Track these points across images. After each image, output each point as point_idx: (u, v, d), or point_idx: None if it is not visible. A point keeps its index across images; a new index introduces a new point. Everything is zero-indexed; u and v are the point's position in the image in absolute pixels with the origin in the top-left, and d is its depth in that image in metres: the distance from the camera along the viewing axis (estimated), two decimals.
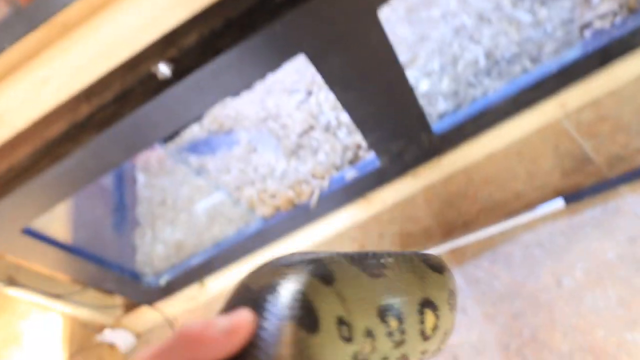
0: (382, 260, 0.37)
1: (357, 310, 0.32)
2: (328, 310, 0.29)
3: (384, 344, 0.34)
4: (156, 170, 1.74)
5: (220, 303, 1.57)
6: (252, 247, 1.44)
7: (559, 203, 1.25)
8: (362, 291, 0.33)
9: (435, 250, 1.35)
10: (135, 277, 1.43)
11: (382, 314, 0.34)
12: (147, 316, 1.55)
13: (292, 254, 0.36)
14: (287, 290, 0.28)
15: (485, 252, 1.31)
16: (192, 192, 1.56)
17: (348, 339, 0.30)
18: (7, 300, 1.49)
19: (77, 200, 1.55)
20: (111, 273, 1.34)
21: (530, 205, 1.31)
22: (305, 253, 0.35)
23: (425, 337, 0.37)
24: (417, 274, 0.38)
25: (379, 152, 1.27)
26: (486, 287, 1.27)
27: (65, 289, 1.42)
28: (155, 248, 1.51)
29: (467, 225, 1.36)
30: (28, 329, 1.50)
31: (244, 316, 0.25)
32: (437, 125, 1.31)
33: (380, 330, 0.33)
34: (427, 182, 1.44)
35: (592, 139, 1.33)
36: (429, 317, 0.38)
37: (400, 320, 0.35)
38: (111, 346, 1.56)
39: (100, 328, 1.53)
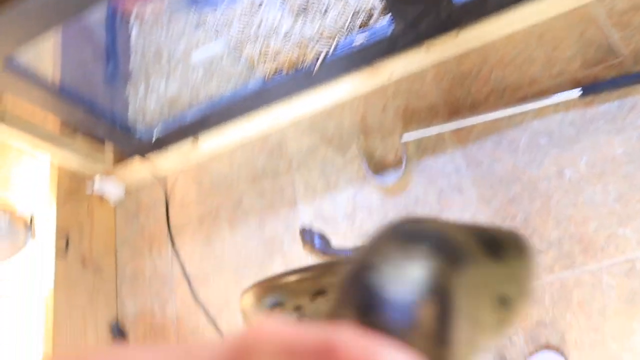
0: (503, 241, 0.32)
1: (473, 297, 0.28)
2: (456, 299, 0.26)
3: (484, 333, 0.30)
4: (152, 22, 1.61)
5: (213, 165, 1.55)
6: (249, 107, 1.38)
7: (574, 93, 1.20)
8: (484, 277, 0.29)
9: (439, 129, 1.31)
10: (126, 128, 1.38)
11: (500, 301, 0.31)
12: (137, 169, 1.52)
13: (413, 220, 0.30)
14: (416, 277, 0.24)
15: (491, 135, 1.28)
16: (189, 46, 1.46)
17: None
18: None
19: (69, 46, 1.45)
20: (102, 120, 1.28)
21: (544, 93, 1.25)
22: (426, 220, 0.30)
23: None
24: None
25: (394, 15, 1.18)
26: (486, 169, 1.26)
27: (55, 134, 1.37)
28: (148, 102, 1.44)
29: (475, 107, 1.31)
30: (17, 175, 1.47)
31: None
32: None
33: (489, 318, 0.30)
34: (440, 57, 1.36)
35: (622, 29, 1.24)
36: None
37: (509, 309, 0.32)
38: (101, 197, 1.55)
39: (89, 178, 1.51)
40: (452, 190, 1.27)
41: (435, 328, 0.23)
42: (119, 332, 1.43)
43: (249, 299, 0.40)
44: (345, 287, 0.24)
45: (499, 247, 0.30)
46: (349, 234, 1.33)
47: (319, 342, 0.19)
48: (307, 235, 1.28)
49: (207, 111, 1.37)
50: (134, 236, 1.57)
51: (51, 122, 1.40)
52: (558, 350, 1.08)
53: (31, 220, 1.33)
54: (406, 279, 0.24)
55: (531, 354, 1.11)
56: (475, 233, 0.30)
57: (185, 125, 1.40)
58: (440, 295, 0.24)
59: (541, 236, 1.16)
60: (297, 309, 0.37)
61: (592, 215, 1.14)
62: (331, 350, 0.18)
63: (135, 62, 1.53)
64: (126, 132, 1.36)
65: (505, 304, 0.30)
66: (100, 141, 1.51)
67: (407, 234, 0.27)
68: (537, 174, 1.21)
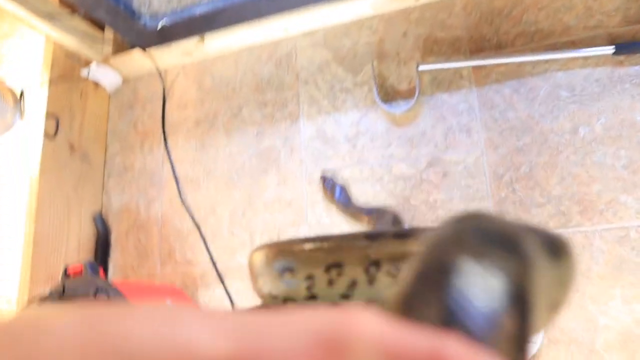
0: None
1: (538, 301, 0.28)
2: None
3: None
4: None
5: (217, 65, 1.48)
6: (263, 10, 1.30)
7: (607, 50, 1.14)
8: (546, 281, 0.29)
9: (459, 64, 1.25)
10: (130, 12, 1.29)
11: (552, 306, 0.32)
12: (137, 60, 1.45)
13: (485, 218, 0.29)
14: (499, 285, 0.24)
15: (510, 79, 1.22)
16: None
17: None
18: None
19: None
20: (106, 0, 1.19)
21: (575, 44, 1.19)
22: (496, 219, 0.29)
23: None
24: None
25: None
26: (499, 114, 1.21)
27: (53, 10, 1.28)
28: None
29: (500, 48, 1.25)
30: (9, 49, 1.39)
31: None
32: None
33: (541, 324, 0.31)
34: None
35: None
36: None
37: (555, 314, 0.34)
38: (96, 84, 1.48)
39: (86, 63, 1.43)
40: (461, 130, 1.23)
41: (517, 335, 0.23)
42: (102, 224, 1.41)
43: (259, 259, 0.38)
44: (426, 286, 0.23)
45: (558, 250, 0.30)
46: (347, 158, 1.29)
47: (428, 352, 0.17)
48: (329, 185, 1.24)
49: (218, 7, 1.28)
50: (127, 128, 1.52)
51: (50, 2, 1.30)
52: None
53: (21, 96, 1.27)
54: (490, 286, 0.23)
55: None
56: (537, 234, 0.30)
57: (193, 20, 1.31)
58: (522, 303, 0.24)
59: (542, 190, 1.14)
60: (309, 278, 0.36)
61: (598, 177, 1.12)
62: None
63: None
64: (130, 17, 1.27)
65: (554, 309, 0.31)
66: (101, 26, 1.42)
67: (485, 235, 0.27)
68: (551, 127, 1.17)
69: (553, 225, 1.12)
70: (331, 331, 0.17)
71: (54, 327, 0.17)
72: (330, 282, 0.35)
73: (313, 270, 0.36)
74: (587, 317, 1.06)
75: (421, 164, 1.24)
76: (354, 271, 0.36)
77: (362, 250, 0.37)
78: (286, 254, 0.37)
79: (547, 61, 1.19)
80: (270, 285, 0.38)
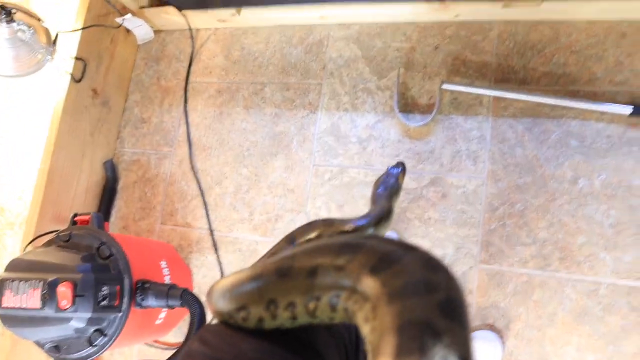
0: None
1: None
2: None
3: None
4: None
5: (248, 37, 1.49)
6: None
7: (625, 109, 1.16)
8: None
9: (482, 91, 1.27)
10: None
11: None
12: (171, 17, 1.45)
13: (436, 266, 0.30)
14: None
15: (526, 117, 1.25)
16: None
17: None
18: None
19: None
20: None
21: (596, 97, 1.21)
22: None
23: None
24: None
25: None
26: (508, 149, 1.25)
27: None
28: None
29: (524, 83, 1.27)
30: None
31: None
32: None
33: None
34: (514, 17, 1.28)
35: None
36: None
37: None
38: (127, 33, 1.49)
39: (122, 11, 1.43)
40: (469, 156, 1.27)
41: None
42: (112, 171, 1.47)
43: (218, 292, 0.42)
44: (411, 345, 0.25)
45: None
46: (356, 158, 1.34)
47: None
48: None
49: None
50: (150, 82, 1.55)
51: None
52: (499, 334, 1.18)
53: (55, 38, 1.29)
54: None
55: (475, 328, 1.21)
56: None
57: None
58: None
59: (530, 231, 1.20)
60: (259, 318, 0.40)
61: (584, 230, 1.17)
62: None
63: None
64: None
65: None
66: None
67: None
68: (553, 173, 1.21)
69: (532, 266, 1.19)
70: None
71: None
72: (274, 317, 0.39)
73: (258, 309, 0.39)
74: (541, 356, 1.15)
75: (424, 180, 1.29)
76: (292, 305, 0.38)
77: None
78: (237, 298, 0.40)
79: (565, 107, 1.22)
80: (227, 314, 0.43)
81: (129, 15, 1.41)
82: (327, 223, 0.67)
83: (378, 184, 0.83)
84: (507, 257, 1.21)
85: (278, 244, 0.67)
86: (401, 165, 0.84)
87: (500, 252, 1.22)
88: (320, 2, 1.32)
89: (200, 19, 1.45)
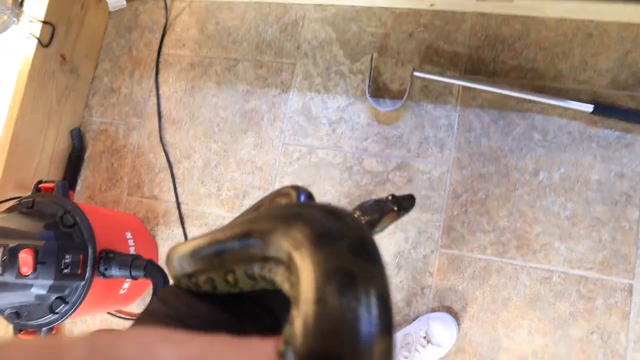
0: None
1: None
2: None
3: None
4: None
5: (223, 12, 1.47)
6: None
7: (587, 107, 1.21)
8: None
9: (452, 81, 1.30)
10: None
11: None
12: None
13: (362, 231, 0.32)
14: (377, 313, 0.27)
15: (493, 109, 1.29)
16: None
17: None
18: None
19: None
20: None
21: (560, 93, 1.25)
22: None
23: None
24: None
25: None
26: (474, 139, 1.29)
27: None
28: None
29: (494, 75, 1.30)
30: None
31: None
32: None
33: None
34: (487, 10, 1.30)
35: None
36: None
37: None
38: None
39: None
40: (435, 143, 1.30)
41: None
42: (79, 140, 1.44)
43: (176, 256, 0.44)
44: (330, 289, 0.27)
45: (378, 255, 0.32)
46: (325, 140, 1.35)
47: None
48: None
49: None
50: (121, 51, 1.52)
51: None
52: (456, 316, 1.23)
53: (21, 1, 1.25)
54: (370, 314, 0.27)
55: (433, 309, 1.25)
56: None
57: None
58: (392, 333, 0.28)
59: (490, 219, 1.25)
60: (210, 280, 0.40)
61: (541, 220, 1.22)
62: None
63: None
64: None
65: None
66: None
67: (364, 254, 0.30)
68: (515, 164, 1.25)
69: (490, 252, 1.23)
70: None
71: (70, 349, 0.24)
72: (230, 283, 0.39)
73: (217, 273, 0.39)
74: (494, 337, 1.20)
75: (391, 164, 1.32)
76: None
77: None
78: (196, 262, 0.42)
79: (530, 101, 1.26)
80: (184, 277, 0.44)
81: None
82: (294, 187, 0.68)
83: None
84: (467, 242, 1.25)
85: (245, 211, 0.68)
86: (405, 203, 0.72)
87: (461, 237, 1.26)
88: None
89: None
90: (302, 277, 0.29)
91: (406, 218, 1.28)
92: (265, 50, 1.43)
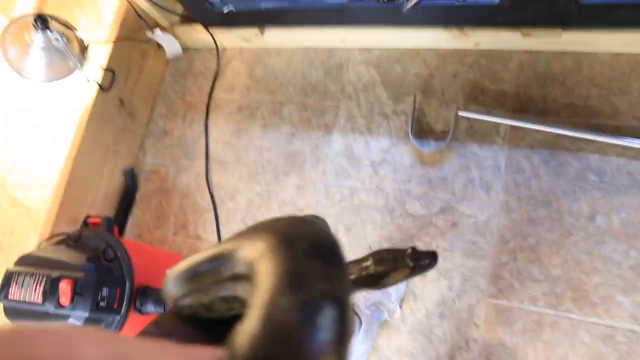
0: None
1: None
2: None
3: None
4: None
5: (272, 58, 1.52)
6: (325, 20, 1.33)
7: None
8: None
9: (498, 120, 1.24)
10: None
11: None
12: (199, 35, 1.51)
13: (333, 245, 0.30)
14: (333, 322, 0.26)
15: (544, 149, 1.21)
16: None
17: None
18: None
19: None
20: None
21: (618, 131, 1.16)
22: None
23: None
24: None
25: None
26: (523, 181, 1.21)
27: None
28: None
29: (544, 114, 1.23)
30: (92, 3, 1.49)
31: None
32: None
33: None
34: (534, 47, 1.25)
35: None
36: None
37: None
38: (158, 47, 1.56)
39: (153, 25, 1.50)
40: (481, 185, 1.24)
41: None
42: (132, 179, 1.51)
43: (170, 277, 0.42)
44: (285, 291, 0.26)
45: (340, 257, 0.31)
46: (367, 182, 1.32)
47: None
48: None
49: (284, 6, 1.31)
50: (175, 96, 1.60)
51: None
52: None
53: (87, 46, 1.35)
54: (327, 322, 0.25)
55: None
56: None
57: (257, 12, 1.35)
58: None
59: (542, 267, 1.15)
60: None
61: (601, 270, 1.11)
62: None
63: None
64: None
65: None
66: None
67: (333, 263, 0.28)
68: (569, 208, 1.16)
69: (543, 304, 1.13)
70: None
71: None
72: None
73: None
74: None
75: (434, 208, 1.26)
76: None
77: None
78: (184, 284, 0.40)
79: (585, 140, 1.17)
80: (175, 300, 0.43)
81: (157, 30, 1.47)
82: None
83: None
84: (516, 292, 1.16)
85: None
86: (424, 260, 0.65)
87: (510, 287, 1.16)
88: (342, 26, 1.34)
89: (226, 37, 1.50)
90: (258, 284, 0.28)
91: (450, 264, 1.21)
92: (310, 93, 1.45)
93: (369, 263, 0.67)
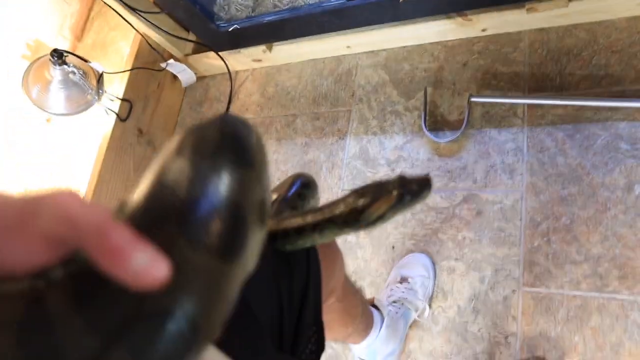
0: None
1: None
2: None
3: None
4: None
5: (282, 74, 1.53)
6: (326, 25, 1.33)
7: None
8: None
9: (513, 100, 1.18)
10: (207, 15, 1.39)
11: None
12: (211, 62, 1.55)
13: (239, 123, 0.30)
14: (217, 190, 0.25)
15: (567, 124, 1.14)
16: None
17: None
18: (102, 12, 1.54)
19: None
20: (190, 4, 1.30)
21: None
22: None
23: None
24: None
25: None
26: (548, 159, 1.13)
27: (146, 7, 1.41)
28: None
29: (562, 89, 1.17)
30: (103, 37, 1.56)
31: (161, 273, 0.22)
32: None
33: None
34: (543, 24, 1.21)
35: None
36: None
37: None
38: (174, 78, 1.60)
39: (167, 57, 1.55)
40: (504, 169, 1.16)
41: (221, 244, 0.24)
42: None
43: None
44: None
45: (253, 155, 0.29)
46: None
47: (96, 225, 0.21)
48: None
49: (285, 17, 1.34)
50: (193, 122, 1.62)
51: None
52: None
53: (100, 78, 1.41)
54: (209, 189, 0.25)
55: None
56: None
57: (261, 27, 1.38)
58: (235, 211, 0.25)
59: (581, 246, 1.04)
60: None
61: None
62: (104, 234, 0.21)
63: None
64: (205, 18, 1.37)
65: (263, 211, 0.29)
66: (186, 27, 1.54)
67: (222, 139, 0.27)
68: (602, 181, 1.07)
69: (586, 287, 1.01)
70: (32, 201, 0.22)
71: None
72: None
73: None
74: None
75: (457, 198, 1.19)
76: None
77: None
78: None
79: (610, 109, 1.10)
80: None
81: (171, 61, 1.51)
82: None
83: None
84: (555, 278, 1.05)
85: None
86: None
87: (547, 272, 1.06)
88: (344, 30, 1.34)
89: (237, 61, 1.53)
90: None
91: (480, 255, 1.12)
92: (322, 102, 1.44)
93: (350, 198, 0.59)
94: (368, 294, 1.19)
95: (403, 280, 1.14)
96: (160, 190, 0.25)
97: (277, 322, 0.56)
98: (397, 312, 1.08)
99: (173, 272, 0.22)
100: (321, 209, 0.57)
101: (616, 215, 1.04)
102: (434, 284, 1.15)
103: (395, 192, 0.53)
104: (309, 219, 0.56)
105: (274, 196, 0.71)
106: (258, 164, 0.28)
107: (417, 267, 1.15)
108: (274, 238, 0.58)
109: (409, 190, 0.53)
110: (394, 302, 1.10)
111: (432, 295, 1.14)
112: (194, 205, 0.24)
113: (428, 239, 1.19)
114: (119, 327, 0.22)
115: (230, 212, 0.25)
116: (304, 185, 0.75)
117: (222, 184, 0.25)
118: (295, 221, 0.57)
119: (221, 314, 0.25)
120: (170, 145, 0.27)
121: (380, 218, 0.54)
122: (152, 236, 0.23)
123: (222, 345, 0.34)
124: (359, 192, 0.55)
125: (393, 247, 1.22)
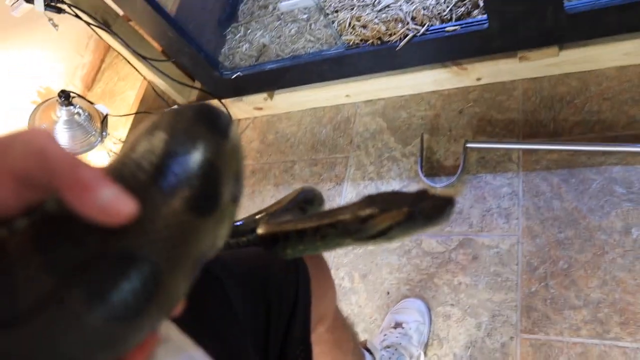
0: None
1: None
2: None
3: None
4: None
5: (282, 122, 1.56)
6: (326, 74, 1.37)
7: None
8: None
9: (508, 146, 1.19)
10: (211, 62, 1.44)
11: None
12: None
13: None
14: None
15: (562, 168, 1.14)
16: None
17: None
18: (113, 64, 1.60)
19: None
20: (189, 47, 1.35)
21: (638, 139, 1.08)
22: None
23: None
24: None
25: (489, 12, 1.09)
26: (544, 203, 1.12)
27: (153, 55, 1.47)
28: (241, 45, 1.49)
29: (555, 134, 1.18)
30: (120, 88, 1.62)
31: (127, 209, 0.22)
32: (572, 2, 1.08)
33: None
34: (535, 73, 1.24)
35: None
36: None
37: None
38: None
39: (172, 104, 1.60)
40: (500, 214, 1.15)
41: (192, 198, 0.25)
42: None
43: None
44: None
45: (228, 127, 0.29)
46: None
47: (69, 163, 0.22)
48: None
49: (286, 65, 1.38)
50: None
51: (154, 48, 1.50)
52: None
53: (105, 120, 1.44)
54: (185, 149, 0.25)
55: None
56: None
57: (263, 74, 1.42)
58: (209, 171, 0.26)
59: (579, 291, 1.01)
60: None
61: None
62: (75, 169, 0.22)
63: (244, 8, 1.59)
64: (209, 66, 1.42)
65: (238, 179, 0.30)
66: (191, 76, 1.59)
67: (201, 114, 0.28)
68: (599, 224, 1.05)
69: (586, 333, 0.97)
70: (5, 138, 0.22)
71: None
72: None
73: None
74: None
75: (452, 243, 1.17)
76: None
77: None
78: None
79: (604, 153, 1.10)
80: None
81: (175, 106, 1.55)
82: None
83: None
84: (554, 324, 1.01)
85: None
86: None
87: (545, 318, 1.02)
88: (343, 79, 1.38)
89: (239, 109, 1.57)
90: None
91: (476, 301, 1.09)
92: (320, 148, 1.45)
93: (358, 205, 0.51)
94: (361, 339, 1.15)
95: (397, 325, 1.10)
96: (137, 151, 0.25)
97: (262, 330, 0.54)
98: (390, 358, 1.04)
99: (140, 217, 0.22)
100: (327, 212, 0.54)
101: (614, 259, 1.01)
102: (430, 330, 1.11)
103: (405, 209, 0.48)
104: (312, 222, 0.54)
105: (274, 208, 0.68)
106: (233, 136, 0.28)
107: (412, 313, 1.11)
108: (274, 241, 0.57)
109: (421, 209, 0.48)
110: (387, 347, 1.06)
111: (427, 343, 1.10)
112: (169, 160, 0.24)
113: (423, 284, 1.16)
114: (78, 267, 0.21)
115: (204, 171, 0.25)
116: (307, 201, 0.70)
117: (199, 146, 0.26)
118: (297, 224, 0.56)
119: (185, 275, 0.25)
120: (147, 122, 0.28)
121: (383, 234, 0.49)
122: (124, 183, 0.23)
123: (192, 331, 0.33)
124: (369, 200, 0.51)
125: (388, 293, 1.19)
